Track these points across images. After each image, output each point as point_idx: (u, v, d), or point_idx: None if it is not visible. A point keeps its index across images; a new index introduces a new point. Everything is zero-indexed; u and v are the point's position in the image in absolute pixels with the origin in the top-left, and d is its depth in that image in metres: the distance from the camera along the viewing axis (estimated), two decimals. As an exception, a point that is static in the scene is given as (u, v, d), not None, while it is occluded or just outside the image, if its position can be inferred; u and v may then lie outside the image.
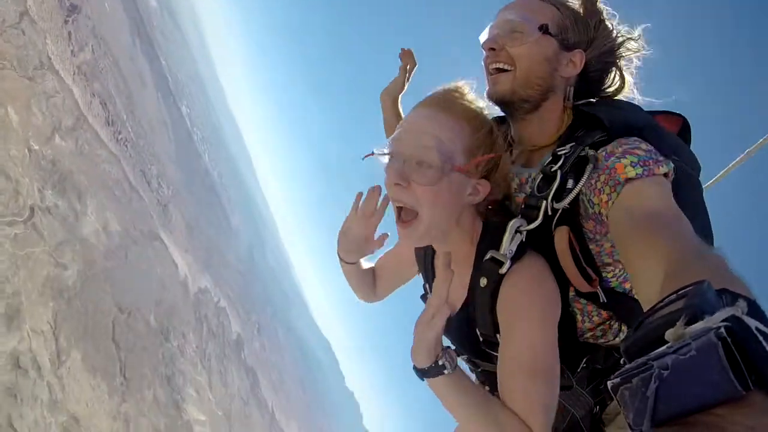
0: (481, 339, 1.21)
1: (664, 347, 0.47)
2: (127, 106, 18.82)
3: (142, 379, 20.58)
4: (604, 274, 1.21)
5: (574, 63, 1.27)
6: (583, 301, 1.25)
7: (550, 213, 1.15)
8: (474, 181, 1.14)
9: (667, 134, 1.25)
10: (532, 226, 1.14)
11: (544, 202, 1.15)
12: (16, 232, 13.58)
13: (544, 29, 1.24)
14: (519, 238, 1.12)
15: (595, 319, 1.28)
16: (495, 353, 1.16)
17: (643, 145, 1.11)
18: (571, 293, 1.24)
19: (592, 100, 1.34)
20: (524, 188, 1.28)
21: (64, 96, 13.35)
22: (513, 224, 1.12)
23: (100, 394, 16.90)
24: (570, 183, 1.14)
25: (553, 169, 1.17)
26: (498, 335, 1.14)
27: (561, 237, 1.14)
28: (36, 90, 11.78)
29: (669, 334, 0.48)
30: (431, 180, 1.09)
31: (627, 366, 0.50)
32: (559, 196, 1.15)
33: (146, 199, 23.24)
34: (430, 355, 1.08)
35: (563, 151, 1.18)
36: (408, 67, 1.81)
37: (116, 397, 17.83)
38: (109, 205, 19.88)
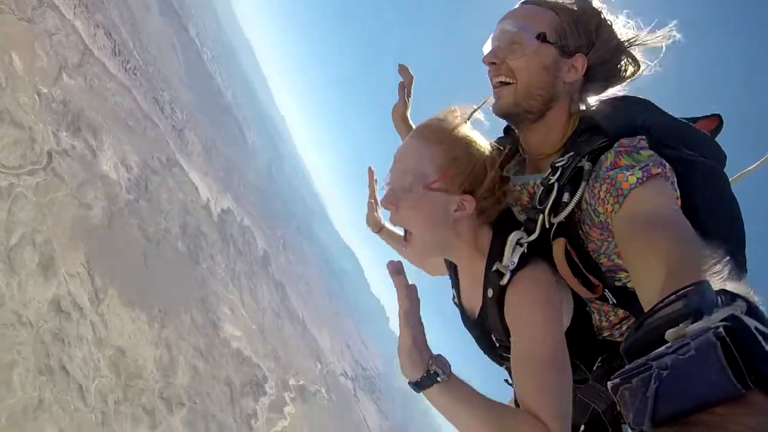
0: (497, 345, 1.26)
1: (663, 347, 0.47)
2: (132, 34, 17.82)
3: (178, 305, 21.28)
4: (618, 277, 1.22)
5: (576, 68, 1.25)
6: (598, 301, 1.26)
7: (547, 226, 1.17)
8: (457, 198, 1.19)
9: (681, 129, 1.23)
10: (531, 238, 1.17)
11: (542, 215, 1.17)
12: (38, 181, 13.43)
13: (541, 38, 1.24)
14: (520, 249, 1.15)
15: (612, 318, 1.29)
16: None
17: (643, 152, 1.12)
18: None
19: (603, 97, 1.32)
20: (533, 197, 1.30)
21: (66, 32, 12.60)
22: (513, 237, 1.16)
23: (141, 324, 17.54)
24: (566, 197, 1.15)
25: (550, 182, 1.18)
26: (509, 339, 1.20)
27: (557, 248, 1.15)
28: (37, 30, 11.08)
29: (668, 334, 0.48)
30: (411, 202, 1.20)
31: (627, 366, 0.49)
32: (556, 210, 1.16)
33: (161, 126, 22.90)
34: (417, 366, 1.11)
35: (561, 163, 1.19)
36: (406, 83, 1.82)
37: (156, 324, 18.52)
38: (125, 138, 19.57)
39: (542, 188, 1.22)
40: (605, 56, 1.26)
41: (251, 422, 20.86)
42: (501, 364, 1.40)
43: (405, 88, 1.82)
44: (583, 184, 1.13)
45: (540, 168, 1.33)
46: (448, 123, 1.25)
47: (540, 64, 1.24)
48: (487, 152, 1.24)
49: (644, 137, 1.15)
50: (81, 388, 12.30)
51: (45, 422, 10.68)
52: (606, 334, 1.31)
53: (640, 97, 1.28)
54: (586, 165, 1.14)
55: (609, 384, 0.51)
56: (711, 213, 1.15)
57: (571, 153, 1.19)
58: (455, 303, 1.44)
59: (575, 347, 1.16)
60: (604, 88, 1.32)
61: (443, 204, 1.19)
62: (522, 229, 1.19)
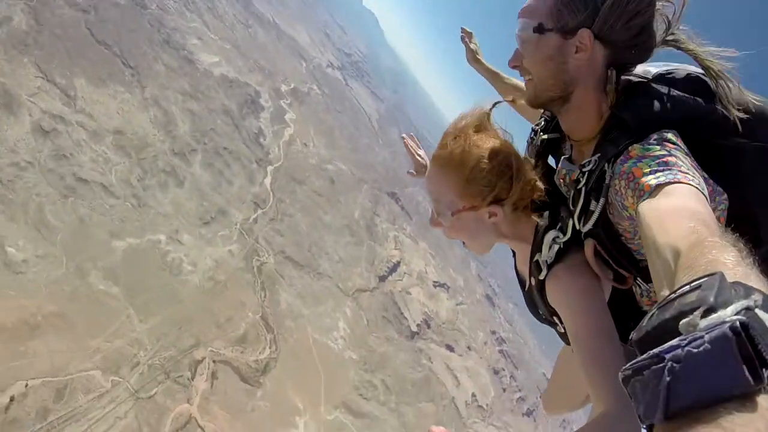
0: (544, 317, 1.43)
1: (676, 340, 0.46)
2: None
3: (146, 58, 21.28)
4: None
5: (584, 45, 1.23)
6: (641, 281, 1.32)
7: (578, 228, 1.27)
8: (485, 210, 1.34)
9: (719, 120, 1.16)
10: (565, 239, 1.27)
11: (571, 220, 1.28)
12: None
13: (538, 30, 1.26)
14: (556, 246, 1.27)
15: (653, 296, 1.33)
16: (557, 323, 1.37)
17: (658, 147, 1.10)
18: None
19: (649, 74, 1.27)
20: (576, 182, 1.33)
21: None
22: (549, 236, 1.28)
23: (122, 96, 18.39)
24: (592, 204, 1.22)
25: (578, 187, 1.27)
26: (554, 317, 1.34)
27: (587, 249, 1.26)
28: None
29: (682, 326, 0.48)
30: (450, 225, 1.40)
31: (639, 358, 0.49)
32: (584, 215, 1.25)
33: None
34: None
35: (588, 167, 1.24)
36: (467, 36, 2.17)
37: (135, 89, 19.28)
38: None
39: (572, 191, 1.30)
40: (618, 19, 1.19)
41: (260, 141, 22.56)
42: (543, 323, 1.53)
43: (466, 39, 2.14)
44: (602, 200, 1.19)
45: (584, 153, 1.35)
46: (457, 144, 1.34)
47: (542, 55, 1.27)
48: (503, 155, 1.32)
49: (670, 131, 1.13)
50: (104, 186, 13.61)
51: (96, 234, 12.19)
52: (646, 309, 1.37)
53: (694, 74, 1.24)
54: (608, 173, 1.17)
55: (620, 374, 0.51)
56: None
57: (598, 155, 1.22)
58: (515, 268, 1.56)
59: (620, 321, 1.22)
60: (642, 53, 1.26)
61: (475, 219, 1.35)
62: (558, 227, 1.29)
